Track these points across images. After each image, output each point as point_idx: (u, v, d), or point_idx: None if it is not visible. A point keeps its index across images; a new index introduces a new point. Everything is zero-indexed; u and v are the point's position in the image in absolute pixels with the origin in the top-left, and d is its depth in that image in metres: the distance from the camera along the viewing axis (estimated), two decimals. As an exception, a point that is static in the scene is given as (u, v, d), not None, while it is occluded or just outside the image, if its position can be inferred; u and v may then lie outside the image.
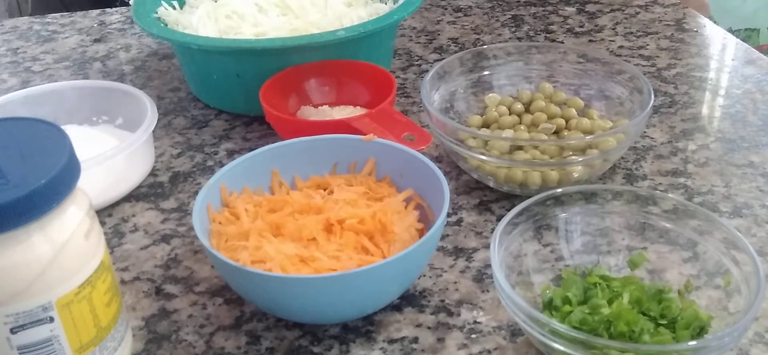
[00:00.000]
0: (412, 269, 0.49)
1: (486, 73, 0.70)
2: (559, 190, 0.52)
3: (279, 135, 0.66)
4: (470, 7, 0.98)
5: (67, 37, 0.94)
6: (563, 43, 0.87)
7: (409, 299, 0.52)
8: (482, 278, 0.53)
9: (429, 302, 0.52)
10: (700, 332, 0.46)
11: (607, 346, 0.41)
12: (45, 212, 0.39)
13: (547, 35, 0.89)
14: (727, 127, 0.70)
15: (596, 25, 0.91)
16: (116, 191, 0.62)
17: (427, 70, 0.68)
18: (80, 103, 0.69)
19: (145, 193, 0.64)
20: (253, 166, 0.55)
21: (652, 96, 0.61)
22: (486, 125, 0.66)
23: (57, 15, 1.01)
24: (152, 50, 0.90)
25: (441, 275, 0.54)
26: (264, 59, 0.69)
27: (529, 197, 0.51)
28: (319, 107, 0.69)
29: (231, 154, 0.69)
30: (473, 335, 0.49)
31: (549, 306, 0.48)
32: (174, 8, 0.78)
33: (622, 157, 0.65)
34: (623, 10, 0.95)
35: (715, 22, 0.93)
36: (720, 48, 0.86)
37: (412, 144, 0.57)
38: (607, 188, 0.53)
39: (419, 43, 0.89)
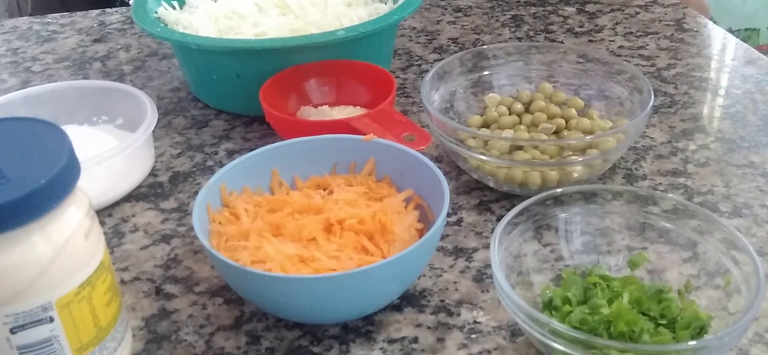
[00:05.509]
0: (412, 269, 0.49)
1: (486, 73, 0.70)
2: (559, 190, 0.52)
3: (279, 135, 0.66)
4: (470, 7, 0.98)
5: (67, 37, 0.94)
6: (563, 43, 0.87)
7: (409, 299, 0.52)
8: (482, 278, 0.53)
9: (429, 302, 0.52)
10: (700, 332, 0.45)
11: (607, 346, 0.41)
12: (45, 212, 0.39)
13: (547, 35, 0.89)
14: (727, 127, 0.70)
15: (596, 25, 0.91)
16: (116, 191, 0.62)
17: (427, 70, 0.68)
18: (80, 103, 0.69)
19: (145, 193, 0.64)
20: (253, 166, 0.55)
21: (652, 96, 0.61)
22: (486, 125, 0.66)
23: (57, 15, 1.01)
24: (152, 50, 0.90)
25: (441, 275, 0.54)
26: (264, 59, 0.69)
27: (529, 197, 0.51)
28: (319, 107, 0.69)
29: (231, 154, 0.69)
30: (473, 335, 0.49)
31: (549, 306, 0.48)
32: (174, 8, 0.78)
33: (622, 157, 0.65)
34: (623, 10, 0.95)
35: (715, 22, 0.93)
36: (720, 48, 0.86)
37: (412, 144, 0.57)
38: (607, 188, 0.53)
39: (419, 43, 0.89)
